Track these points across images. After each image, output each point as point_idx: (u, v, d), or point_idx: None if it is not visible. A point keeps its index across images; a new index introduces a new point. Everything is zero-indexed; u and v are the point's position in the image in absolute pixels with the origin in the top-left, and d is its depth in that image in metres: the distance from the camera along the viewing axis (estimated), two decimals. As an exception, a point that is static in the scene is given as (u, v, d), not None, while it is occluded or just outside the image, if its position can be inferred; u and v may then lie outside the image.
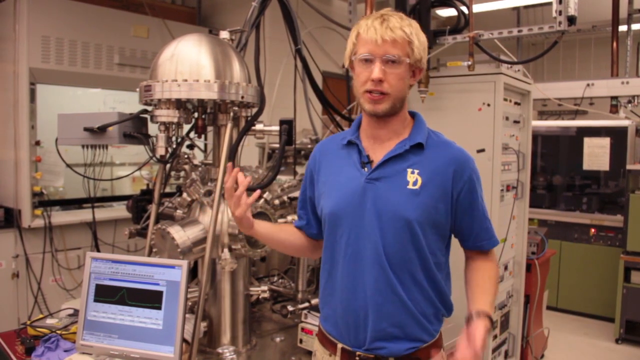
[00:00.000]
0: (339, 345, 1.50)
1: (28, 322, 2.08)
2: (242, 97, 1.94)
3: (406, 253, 1.42)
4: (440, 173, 1.43)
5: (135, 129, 2.12)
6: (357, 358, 1.47)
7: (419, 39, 1.42)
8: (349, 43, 1.47)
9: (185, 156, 2.14)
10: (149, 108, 2.03)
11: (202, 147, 2.63)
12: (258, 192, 1.51)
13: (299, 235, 1.68)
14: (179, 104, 1.93)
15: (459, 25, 2.92)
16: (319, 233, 1.64)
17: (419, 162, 1.44)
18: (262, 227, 1.58)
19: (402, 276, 1.42)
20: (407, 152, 1.45)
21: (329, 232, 1.52)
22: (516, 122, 3.13)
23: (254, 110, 2.05)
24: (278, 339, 2.19)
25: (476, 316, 1.37)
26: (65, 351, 1.88)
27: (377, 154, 1.47)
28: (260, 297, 2.13)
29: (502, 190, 2.95)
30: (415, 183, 1.42)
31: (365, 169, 1.46)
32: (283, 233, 1.68)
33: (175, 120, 1.92)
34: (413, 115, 1.55)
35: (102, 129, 2.05)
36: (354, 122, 1.58)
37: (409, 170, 1.43)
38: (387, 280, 1.41)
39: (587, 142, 5.23)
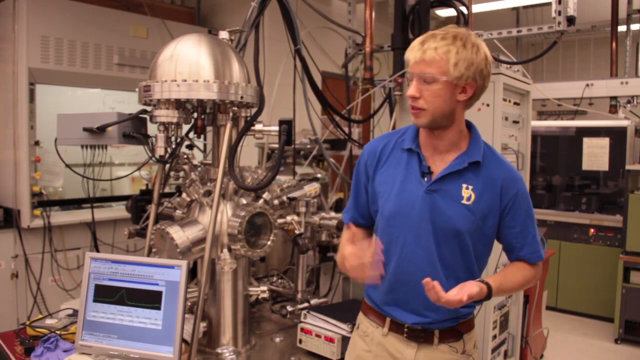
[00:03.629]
0: (388, 318, 1.62)
1: (27, 323, 2.08)
2: (242, 97, 1.94)
3: (455, 259, 1.56)
4: (491, 190, 1.54)
5: (134, 129, 2.12)
6: (406, 329, 1.59)
7: (461, 57, 1.43)
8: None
9: (185, 156, 2.13)
10: (149, 108, 2.03)
11: (202, 147, 2.63)
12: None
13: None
14: (179, 104, 1.93)
15: (458, 25, 2.91)
16: (370, 224, 1.73)
17: (474, 178, 1.55)
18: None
19: (450, 280, 1.53)
20: (465, 169, 1.53)
21: (385, 230, 1.61)
22: (515, 122, 3.13)
23: (254, 110, 2.06)
24: (277, 339, 2.19)
25: (477, 280, 1.49)
26: (65, 351, 1.88)
27: (437, 165, 1.57)
28: (259, 297, 2.12)
29: (501, 190, 2.94)
30: (469, 198, 1.53)
31: (425, 179, 1.55)
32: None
33: (175, 120, 1.92)
34: (469, 125, 1.61)
35: (102, 129, 2.05)
36: (410, 127, 1.64)
37: (464, 185, 1.54)
38: (438, 279, 1.46)
39: (587, 142, 5.23)
